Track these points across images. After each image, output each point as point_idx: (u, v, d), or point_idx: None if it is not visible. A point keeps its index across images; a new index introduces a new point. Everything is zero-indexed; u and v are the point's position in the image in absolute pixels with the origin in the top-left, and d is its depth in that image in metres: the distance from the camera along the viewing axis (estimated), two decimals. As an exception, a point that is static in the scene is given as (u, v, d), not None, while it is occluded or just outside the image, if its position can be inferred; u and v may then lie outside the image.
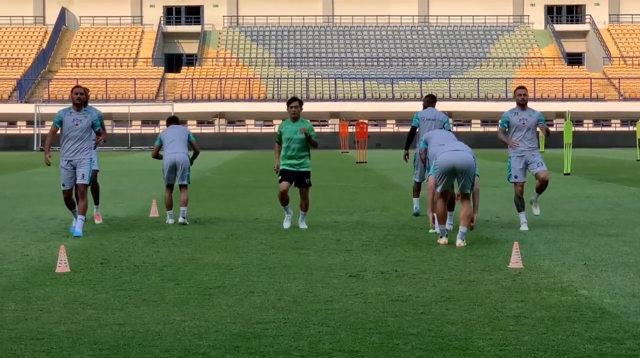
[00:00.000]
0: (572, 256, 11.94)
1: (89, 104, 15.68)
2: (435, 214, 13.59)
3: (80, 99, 14.63)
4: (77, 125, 14.56)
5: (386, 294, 9.35)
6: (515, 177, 15.08)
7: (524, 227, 14.75)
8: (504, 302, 8.88)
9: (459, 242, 12.96)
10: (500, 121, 15.29)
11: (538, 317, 8.22)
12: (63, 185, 14.67)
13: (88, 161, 14.58)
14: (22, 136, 72.66)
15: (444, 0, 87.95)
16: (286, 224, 15.37)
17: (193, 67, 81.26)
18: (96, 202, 16.39)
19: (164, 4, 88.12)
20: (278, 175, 15.23)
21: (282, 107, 73.90)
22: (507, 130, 15.14)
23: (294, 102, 14.95)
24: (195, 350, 7.14)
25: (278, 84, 76.58)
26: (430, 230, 14.55)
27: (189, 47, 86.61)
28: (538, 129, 15.23)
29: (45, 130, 64.67)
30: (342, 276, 10.50)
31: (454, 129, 73.01)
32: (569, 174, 30.01)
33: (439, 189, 13.31)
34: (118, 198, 21.40)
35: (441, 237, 13.30)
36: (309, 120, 15.55)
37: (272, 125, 72.91)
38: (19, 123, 74.34)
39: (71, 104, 14.84)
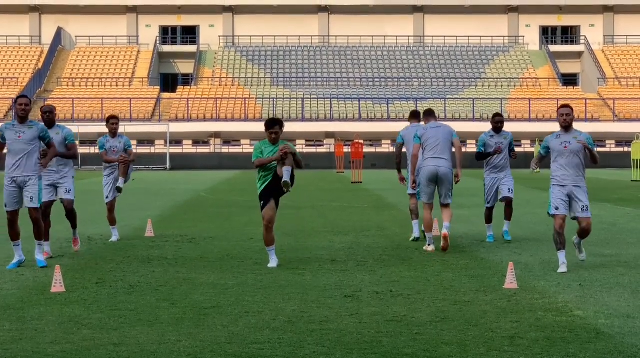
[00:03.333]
0: (567, 276, 11.95)
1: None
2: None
3: (25, 111, 13.13)
4: (20, 137, 13.11)
5: (381, 314, 9.35)
6: (557, 208, 12.63)
7: (563, 268, 12.42)
8: (499, 323, 8.88)
9: (445, 231, 14.61)
10: (541, 147, 13.10)
11: (533, 337, 8.22)
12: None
13: (36, 182, 13.08)
14: (17, 155, 72.49)
15: (439, 20, 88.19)
16: (272, 264, 13.19)
17: (189, 87, 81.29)
18: (74, 226, 14.91)
19: (160, 23, 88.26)
20: (259, 200, 13.22)
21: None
22: (543, 158, 13.15)
23: (275, 127, 13.09)
24: (191, 370, 7.14)
25: (273, 104, 76.65)
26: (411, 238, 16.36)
27: (184, 67, 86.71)
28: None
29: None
30: (337, 296, 10.50)
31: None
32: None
33: (424, 200, 15.06)
34: (113, 218, 21.38)
35: (429, 245, 14.85)
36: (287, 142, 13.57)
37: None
38: (14, 142, 74.20)
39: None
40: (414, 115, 16.74)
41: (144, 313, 9.49)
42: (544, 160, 13.33)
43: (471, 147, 75.09)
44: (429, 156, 15.08)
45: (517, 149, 74.80)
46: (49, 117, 14.31)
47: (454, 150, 15.38)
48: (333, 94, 78.87)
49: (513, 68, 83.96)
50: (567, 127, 12.80)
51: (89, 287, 11.25)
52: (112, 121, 16.99)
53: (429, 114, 15.81)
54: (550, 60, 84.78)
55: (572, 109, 12.92)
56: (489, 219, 16.53)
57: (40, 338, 8.30)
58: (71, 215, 14.78)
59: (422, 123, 16.10)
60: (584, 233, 12.83)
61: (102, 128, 67.00)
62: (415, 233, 16.40)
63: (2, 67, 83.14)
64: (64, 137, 14.33)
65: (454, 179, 15.15)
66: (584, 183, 12.88)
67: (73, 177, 14.64)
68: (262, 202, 13.18)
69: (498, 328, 8.63)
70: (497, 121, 16.59)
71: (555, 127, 72.43)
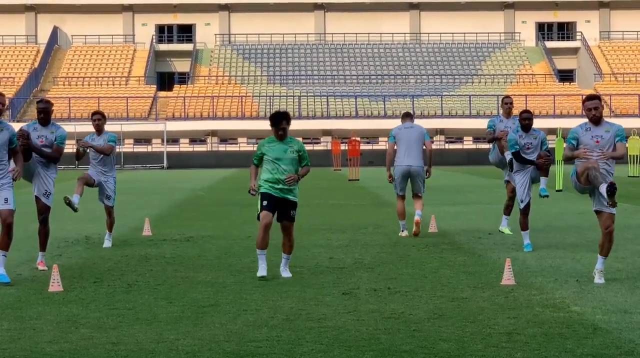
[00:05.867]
0: (564, 272, 11.97)
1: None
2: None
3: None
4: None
5: (379, 311, 9.37)
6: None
7: (598, 280, 11.21)
8: (496, 319, 8.90)
9: (417, 218, 16.51)
10: (567, 137, 11.56)
11: (530, 333, 8.24)
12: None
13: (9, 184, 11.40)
14: (14, 155, 72.43)
15: (436, 17, 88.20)
16: (262, 272, 11.82)
17: (185, 86, 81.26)
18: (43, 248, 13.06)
19: (156, 22, 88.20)
20: (260, 200, 11.97)
21: (274, 124, 73.65)
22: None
23: (282, 123, 11.87)
24: (189, 368, 7.15)
25: (270, 102, 76.63)
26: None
27: (181, 66, 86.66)
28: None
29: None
30: (335, 294, 10.51)
31: (446, 146, 73.26)
32: (561, 191, 30.06)
33: (398, 191, 16.93)
34: (111, 217, 21.38)
35: (402, 231, 16.89)
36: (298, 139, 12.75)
37: (265, 143, 72.86)
38: (11, 142, 74.12)
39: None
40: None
41: (142, 312, 9.50)
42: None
43: (467, 144, 75.17)
44: (402, 155, 16.75)
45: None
46: (44, 118, 12.76)
47: (424, 147, 16.92)
48: (329, 92, 78.86)
49: (509, 64, 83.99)
50: (596, 121, 11.35)
51: (86, 286, 11.26)
52: (95, 117, 15.13)
53: (406, 115, 17.17)
54: (547, 56, 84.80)
55: (600, 99, 11.54)
56: (524, 226, 14.74)
57: (39, 337, 8.30)
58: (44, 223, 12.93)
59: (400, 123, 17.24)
60: (607, 237, 11.50)
61: (99, 127, 66.64)
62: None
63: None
64: (56, 137, 12.81)
65: (424, 174, 16.96)
66: (612, 177, 11.57)
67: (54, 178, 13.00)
68: (264, 203, 11.95)
69: (495, 324, 8.65)
70: (525, 118, 14.89)
71: (552, 123, 72.39)
